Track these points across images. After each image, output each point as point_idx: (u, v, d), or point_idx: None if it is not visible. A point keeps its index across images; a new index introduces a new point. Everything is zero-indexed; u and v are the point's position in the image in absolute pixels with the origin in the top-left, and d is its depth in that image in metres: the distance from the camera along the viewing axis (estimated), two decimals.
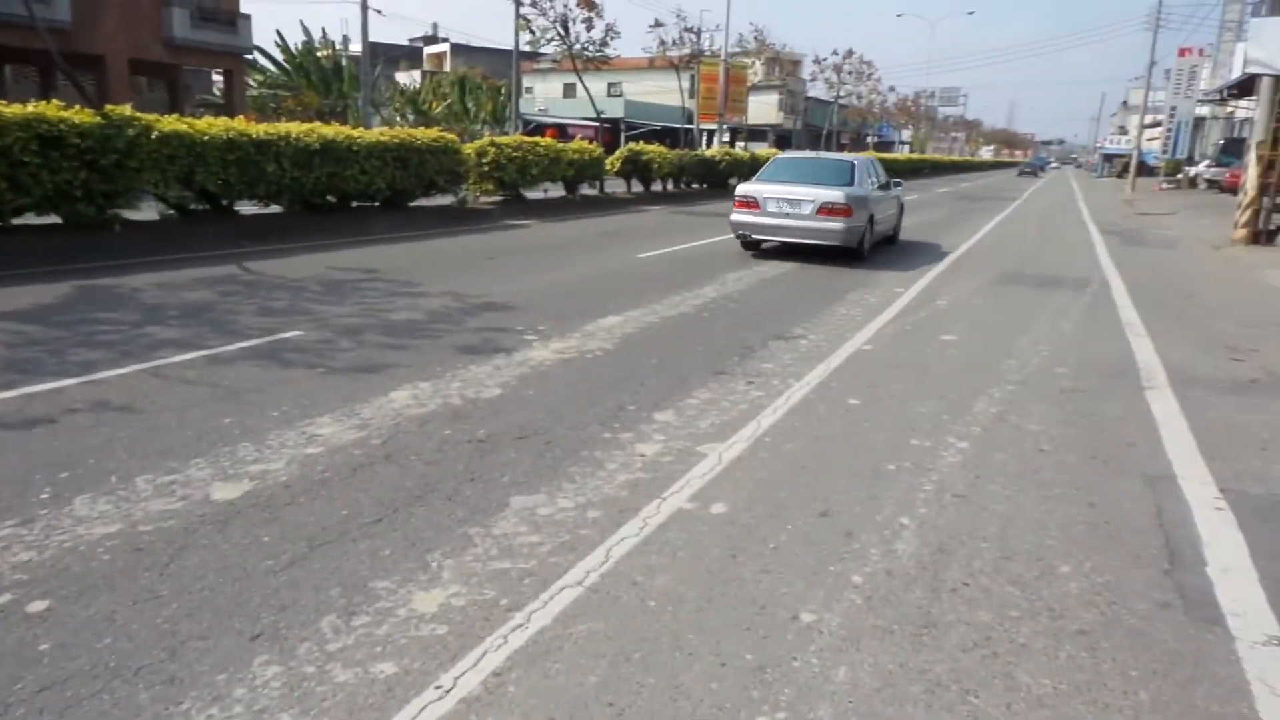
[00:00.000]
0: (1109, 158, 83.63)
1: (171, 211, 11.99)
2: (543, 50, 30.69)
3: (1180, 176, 45.86)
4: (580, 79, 28.64)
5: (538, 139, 19.84)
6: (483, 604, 2.93)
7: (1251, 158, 16.13)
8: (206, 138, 11.28)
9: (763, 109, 62.40)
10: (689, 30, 35.55)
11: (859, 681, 2.54)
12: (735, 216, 12.64)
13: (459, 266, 10.68)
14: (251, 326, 6.81)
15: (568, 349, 6.50)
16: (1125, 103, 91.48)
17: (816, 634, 2.79)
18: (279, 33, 25.49)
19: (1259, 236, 15.69)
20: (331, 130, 13.60)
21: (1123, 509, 3.81)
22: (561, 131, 40.92)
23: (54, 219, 10.18)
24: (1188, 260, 14.38)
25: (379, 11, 28.96)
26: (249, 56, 33.20)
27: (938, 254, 13.64)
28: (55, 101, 9.88)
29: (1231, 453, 4.56)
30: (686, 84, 38.70)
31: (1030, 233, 19.05)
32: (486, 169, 17.84)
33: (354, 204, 14.68)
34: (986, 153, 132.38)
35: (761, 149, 42.15)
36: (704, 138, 44.08)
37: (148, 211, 11.68)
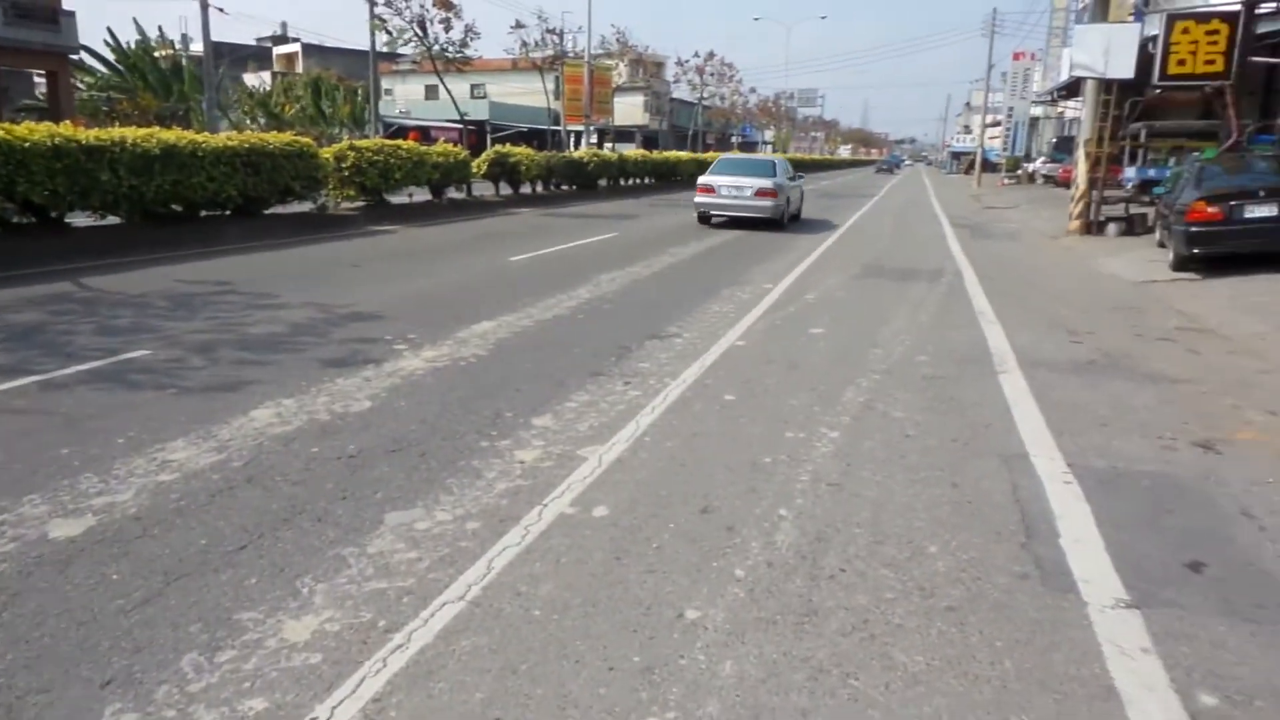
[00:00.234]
0: (956, 155, 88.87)
1: None
2: (401, 51, 29.99)
3: (1020, 172, 49.12)
4: (442, 80, 28.09)
5: (400, 142, 19.29)
6: (359, 627, 2.80)
7: (1080, 155, 17.44)
8: (28, 144, 10.37)
9: (629, 110, 62.98)
10: (551, 32, 35.52)
11: (745, 674, 2.57)
12: (698, 199, 17.86)
13: (321, 276, 10.25)
14: (91, 348, 6.31)
15: (440, 357, 6.33)
16: (968, 104, 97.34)
17: (702, 630, 2.80)
18: (110, 31, 23.71)
19: (1090, 227, 16.97)
20: (173, 135, 12.77)
21: (982, 488, 4.02)
22: (424, 134, 40.02)
23: None
24: (1030, 251, 15.40)
25: (221, 10, 27.46)
26: (75, 56, 30.83)
27: (804, 251, 14.08)
28: None
29: (1076, 429, 4.89)
30: (551, 85, 38.62)
31: (888, 228, 19.96)
32: (347, 174, 17.21)
33: (203, 213, 13.86)
34: (845, 151, 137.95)
35: (630, 150, 42.46)
36: (572, 139, 44.06)
37: None
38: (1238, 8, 15.16)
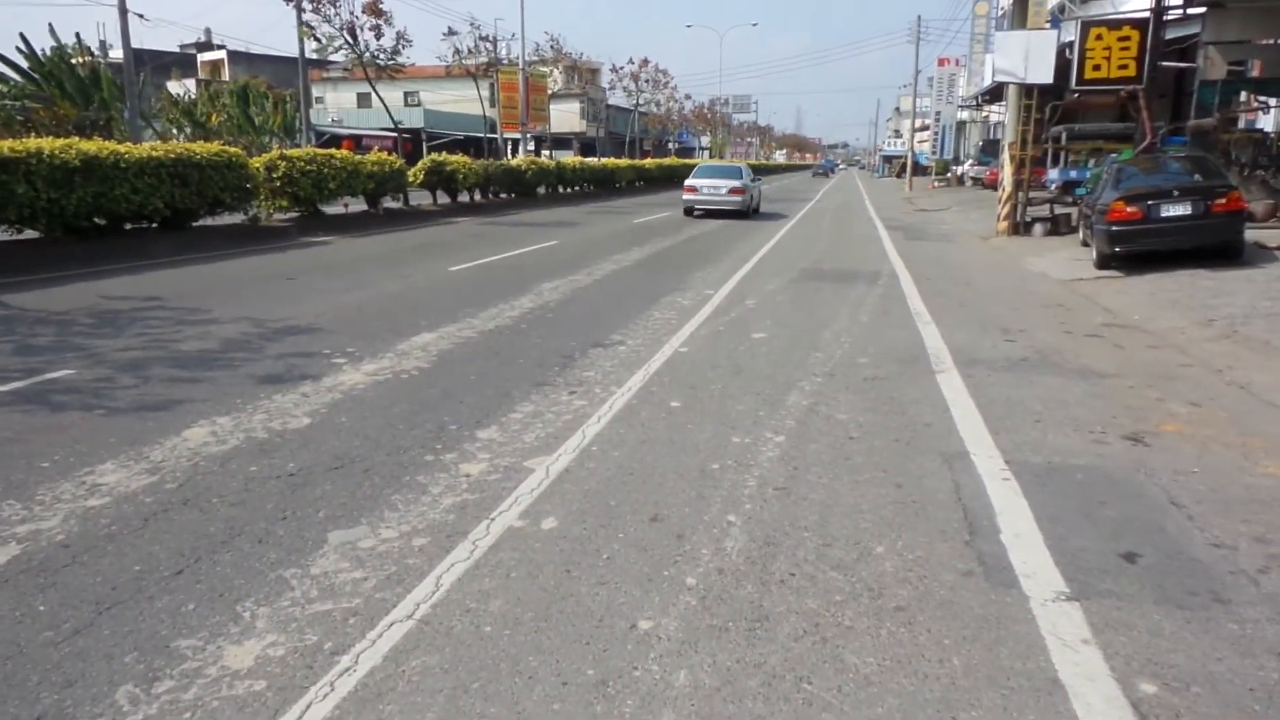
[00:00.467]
0: (888, 159, 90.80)
1: None
2: (331, 58, 29.47)
3: (950, 175, 50.38)
4: (374, 88, 27.72)
5: (333, 151, 18.94)
6: (304, 651, 2.73)
7: (1005, 158, 17.97)
8: None
9: (566, 117, 62.90)
10: (484, 39, 35.31)
11: (699, 683, 2.57)
12: (685, 197, 23.49)
13: (254, 289, 10.00)
14: (10, 368, 6.05)
15: (381, 370, 6.22)
16: (898, 108, 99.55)
17: (655, 640, 2.79)
18: (23, 37, 22.71)
19: (1018, 228, 17.49)
20: (94, 146, 12.33)
21: (925, 487, 4.10)
22: (358, 143, 39.37)
23: None
24: (962, 251, 15.79)
25: (141, 16, 26.64)
26: None
27: (744, 255, 14.22)
28: None
29: (1012, 426, 5.02)
30: (486, 93, 38.36)
31: (825, 230, 20.28)
32: (278, 184, 16.83)
33: (128, 226, 13.41)
34: (780, 156, 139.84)
35: (567, 157, 42.39)
36: (509, 147, 43.81)
37: None
38: (1147, 14, 15.81)
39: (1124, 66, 15.81)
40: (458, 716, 2.42)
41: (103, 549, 3.39)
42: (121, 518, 3.67)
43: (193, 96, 34.47)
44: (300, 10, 24.75)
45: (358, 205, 20.29)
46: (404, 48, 26.60)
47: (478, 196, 25.95)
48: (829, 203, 34.39)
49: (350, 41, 25.65)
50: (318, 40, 25.86)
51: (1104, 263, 11.73)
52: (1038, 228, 17.28)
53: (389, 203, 21.50)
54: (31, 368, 6.07)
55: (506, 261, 13.01)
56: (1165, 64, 17.17)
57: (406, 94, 55.07)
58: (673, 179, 49.60)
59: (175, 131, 27.44)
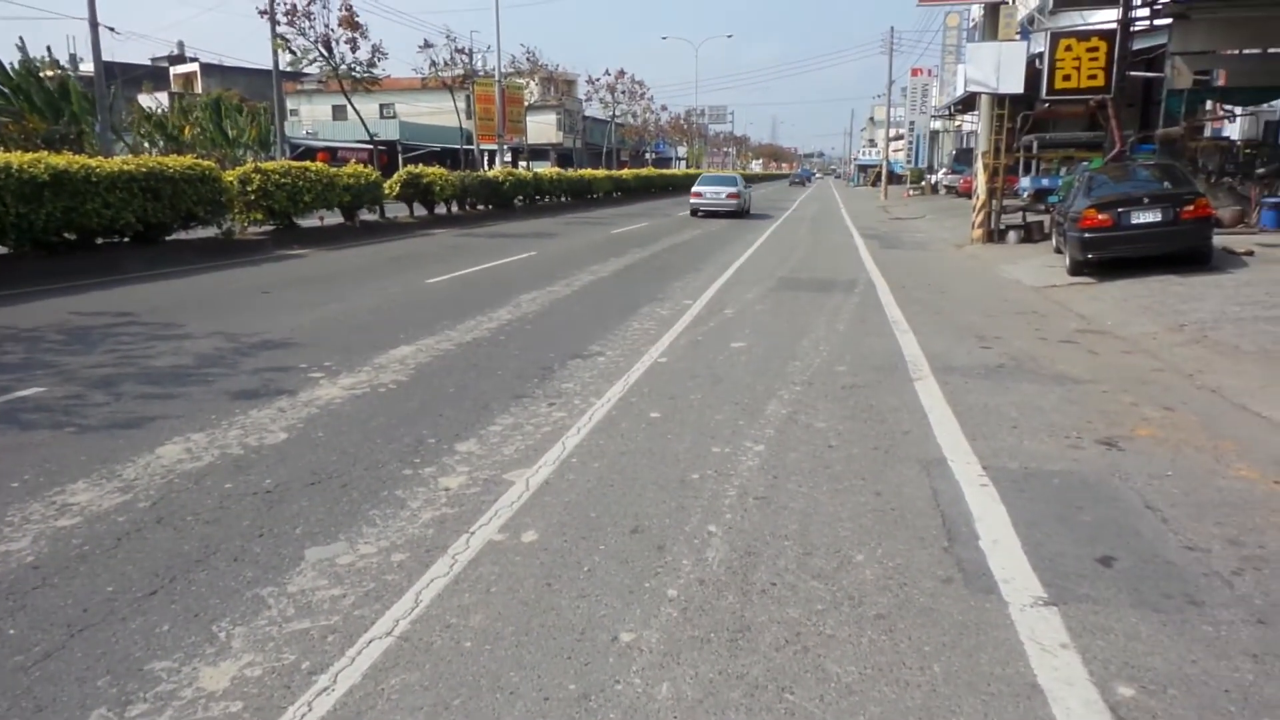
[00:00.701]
0: (863, 168, 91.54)
1: None
2: (306, 71, 29.36)
3: (924, 184, 50.88)
4: (349, 101, 27.62)
5: (308, 164, 18.83)
6: (282, 670, 2.69)
7: (979, 166, 18.18)
8: None
9: (542, 129, 62.94)
10: (460, 51, 35.30)
11: (682, 695, 2.56)
12: (692, 200, 28.97)
13: (229, 303, 9.91)
14: None
15: (358, 384, 6.18)
16: (872, 118, 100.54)
17: (637, 653, 2.78)
18: None
19: (992, 235, 17.68)
20: (64, 160, 12.20)
21: (904, 494, 4.12)
22: (333, 155, 39.18)
23: None
24: (937, 259, 15.93)
25: (111, 29, 26.42)
26: None
27: (722, 265, 14.27)
28: None
29: (989, 432, 5.06)
30: (463, 105, 38.31)
31: (802, 238, 20.40)
32: (253, 197, 16.70)
33: (99, 241, 13.26)
34: (756, 166, 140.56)
35: (544, 168, 42.42)
36: (486, 158, 43.77)
37: None
38: (1115, 26, 16.08)
39: (1093, 76, 16.05)
40: None
41: (74, 570, 3.33)
42: (93, 537, 3.62)
43: (165, 109, 34.18)
44: (274, 23, 24.64)
45: (334, 218, 20.18)
46: (379, 60, 26.56)
47: (455, 208, 25.89)
48: (806, 211, 34.62)
49: (325, 54, 25.56)
50: (292, 53, 25.78)
51: (1077, 269, 11.88)
52: (1011, 235, 17.49)
53: (365, 215, 21.41)
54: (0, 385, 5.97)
55: (484, 273, 12.98)
56: (1133, 74, 17.49)
57: (382, 106, 54.91)
58: (650, 190, 49.86)
59: (148, 145, 27.16)
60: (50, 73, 30.70)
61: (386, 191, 22.07)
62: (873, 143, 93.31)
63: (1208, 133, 20.73)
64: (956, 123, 46.85)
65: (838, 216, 31.08)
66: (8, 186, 10.96)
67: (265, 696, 2.56)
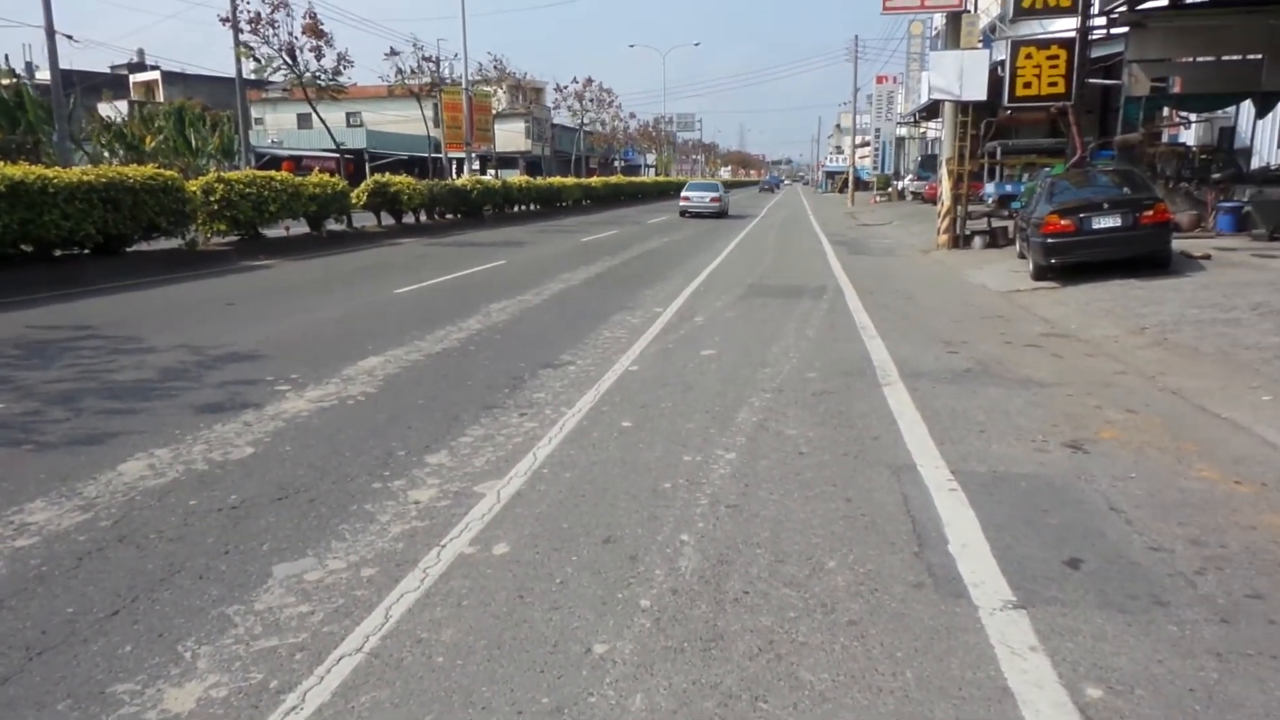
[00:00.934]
0: (830, 175, 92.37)
1: None
2: (270, 79, 29.05)
3: (891, 190, 51.42)
4: (315, 109, 27.38)
5: (273, 173, 18.62)
6: (249, 690, 2.64)
7: (944, 173, 18.42)
8: None
9: (511, 137, 62.82)
10: (427, 59, 35.13)
11: (655, 706, 2.55)
12: (681, 204, 34.39)
13: (193, 315, 9.76)
14: None
15: (326, 396, 6.10)
16: (839, 125, 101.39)
17: (610, 665, 2.77)
18: None
19: (958, 241, 17.91)
20: (20, 170, 11.95)
21: (875, 500, 4.14)
22: (298, 164, 38.80)
23: None
24: (905, 265, 16.10)
25: (70, 37, 26.00)
26: None
27: (692, 272, 14.31)
28: None
29: (957, 436, 5.11)
30: (430, 113, 38.11)
31: (771, 245, 20.52)
32: (216, 207, 16.48)
33: (57, 253, 13.01)
34: (725, 173, 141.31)
35: (513, 176, 42.29)
36: (454, 166, 43.57)
37: None
38: (1073, 34, 16.39)
39: (1053, 84, 16.35)
40: None
41: (32, 591, 3.25)
42: (52, 558, 3.54)
43: (125, 118, 33.64)
44: (238, 31, 24.37)
45: (300, 228, 19.98)
46: (345, 68, 26.34)
47: (423, 217, 25.74)
48: (774, 218, 34.85)
49: (290, 62, 25.30)
50: (256, 61, 25.47)
51: (1040, 274, 12.06)
52: (976, 240, 17.72)
53: (332, 225, 21.21)
54: None
55: (453, 282, 12.91)
56: (1092, 81, 17.80)
57: (349, 115, 54.53)
58: (619, 197, 49.94)
59: (108, 155, 26.71)
60: (5, 81, 30.13)
61: (354, 201, 21.89)
62: (840, 149, 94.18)
63: (1165, 139, 21.17)
64: (922, 129, 47.44)
65: (806, 222, 31.31)
66: None
67: (232, 718, 2.51)
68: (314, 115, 28.59)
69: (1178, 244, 12.30)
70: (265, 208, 17.37)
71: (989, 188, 26.31)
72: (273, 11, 24.32)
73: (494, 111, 44.78)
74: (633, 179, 61.38)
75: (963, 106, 17.38)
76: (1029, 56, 16.42)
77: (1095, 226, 11.18)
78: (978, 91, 16.64)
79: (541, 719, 2.50)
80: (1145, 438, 5.09)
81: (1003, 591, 3.20)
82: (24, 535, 3.74)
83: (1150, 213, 11.03)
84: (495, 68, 45.23)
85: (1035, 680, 2.66)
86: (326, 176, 20.75)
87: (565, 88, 57.08)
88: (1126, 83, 16.29)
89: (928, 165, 41.15)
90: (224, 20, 24.64)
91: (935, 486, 4.29)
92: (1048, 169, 17.41)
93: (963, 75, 16.54)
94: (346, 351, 7.57)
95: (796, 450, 4.90)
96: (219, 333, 8.45)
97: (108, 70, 56.15)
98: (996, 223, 18.53)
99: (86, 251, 13.50)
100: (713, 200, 33.97)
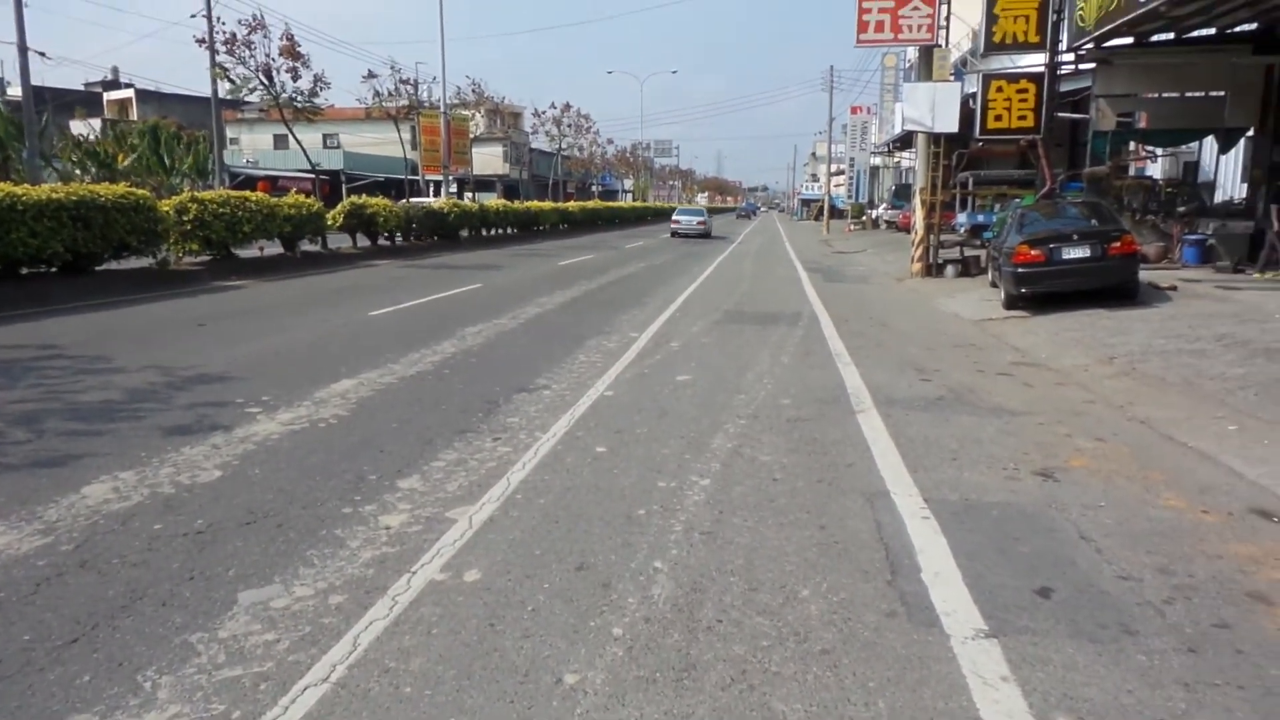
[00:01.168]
0: (806, 202, 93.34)
1: None
2: (247, 100, 28.97)
3: (865, 218, 51.99)
4: (291, 130, 27.31)
5: (247, 193, 18.51)
6: None
7: (917, 202, 18.67)
8: None
9: (488, 160, 63.00)
10: (405, 82, 35.22)
11: None
12: (671, 225, 41.32)
13: (162, 335, 9.63)
14: None
15: (297, 419, 6.03)
16: (814, 153, 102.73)
17: (582, 695, 2.74)
18: None
19: (931, 269, 18.12)
20: None
21: (848, 527, 4.15)
22: (274, 184, 38.61)
23: None
24: (879, 292, 16.25)
25: (42, 54, 25.79)
26: None
27: (668, 298, 14.35)
28: None
29: (930, 464, 5.14)
30: (408, 135, 38.15)
31: (747, 271, 20.64)
32: (189, 227, 16.33)
33: (24, 271, 12.81)
34: (702, 199, 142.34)
35: (491, 200, 42.35)
36: (431, 189, 43.56)
37: None
38: (1042, 69, 16.75)
39: (1023, 117, 16.68)
40: None
41: None
42: (10, 583, 3.45)
43: (98, 136, 33.33)
44: (214, 52, 24.30)
45: (274, 249, 19.83)
46: (322, 90, 26.33)
47: (399, 239, 25.65)
48: (751, 244, 35.09)
49: (266, 83, 25.24)
50: (232, 82, 25.40)
51: (1011, 303, 12.22)
52: (949, 269, 17.94)
53: (307, 246, 21.08)
54: None
55: (429, 305, 12.85)
56: (1061, 115, 18.16)
57: (325, 136, 54.43)
58: (596, 222, 50.13)
59: (79, 173, 26.42)
60: None
61: (329, 222, 21.79)
62: (815, 178, 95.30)
63: (1132, 172, 21.62)
64: (895, 159, 48.14)
65: (782, 249, 31.56)
66: None
67: None
68: (290, 136, 28.48)
69: (1145, 275, 12.52)
70: (239, 228, 17.25)
71: (961, 217, 26.71)
72: (249, 33, 24.30)
73: (472, 135, 44.95)
74: (610, 204, 61.65)
75: (935, 138, 17.66)
76: (999, 90, 16.76)
77: (1065, 257, 11.36)
78: (950, 123, 16.93)
79: None
80: (1114, 466, 5.14)
81: (975, 620, 3.21)
82: None
83: (1118, 244, 11.24)
84: (474, 91, 45.51)
85: (1007, 710, 2.66)
86: (302, 197, 20.65)
87: (543, 113, 57.45)
88: (1094, 117, 16.65)
89: (901, 194, 41.68)
90: (200, 41, 24.59)
91: (908, 514, 4.31)
92: (1018, 200, 17.72)
93: (935, 107, 16.82)
94: (319, 374, 7.50)
95: (771, 477, 4.90)
96: (189, 353, 8.34)
97: (81, 88, 55.74)
98: (969, 252, 18.78)
99: (54, 270, 13.31)
100: (699, 223, 40.38)
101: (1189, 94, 16.75)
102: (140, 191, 15.23)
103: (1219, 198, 19.17)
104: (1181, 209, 17.04)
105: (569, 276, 18.18)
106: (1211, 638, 3.10)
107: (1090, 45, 15.39)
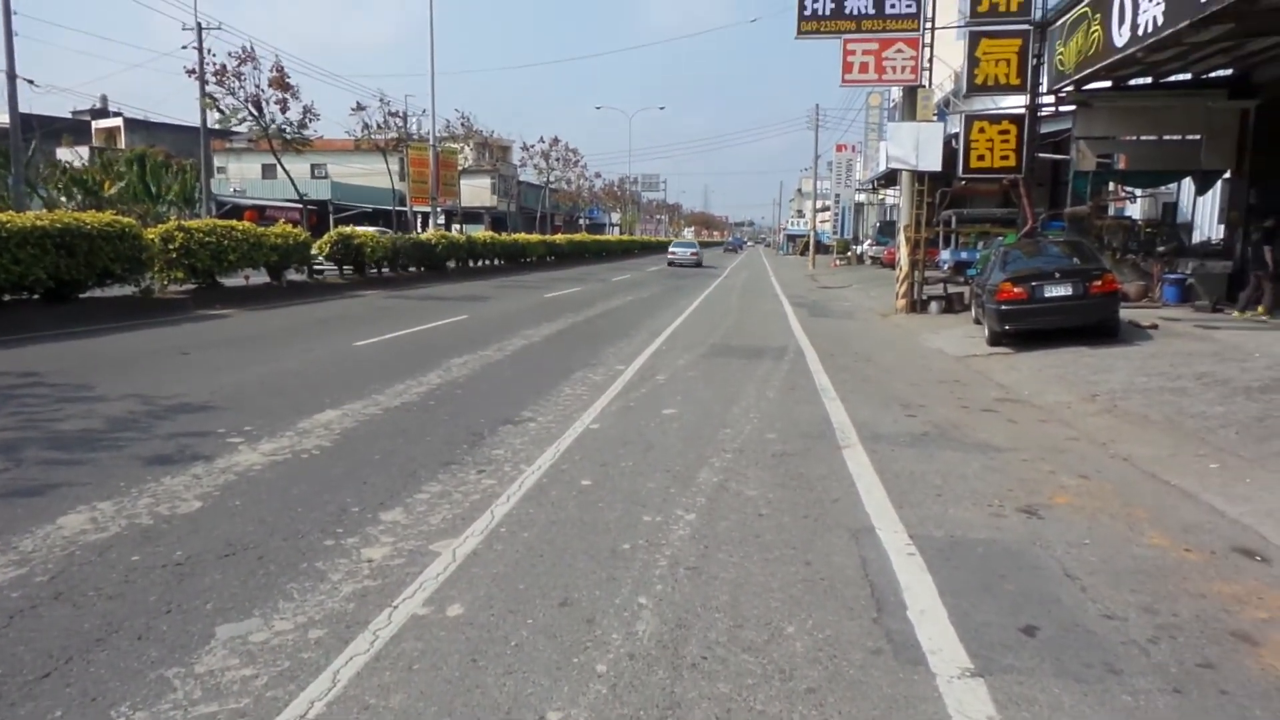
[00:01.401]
0: (792, 238, 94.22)
1: None
2: (235, 130, 29.07)
3: (850, 254, 52.48)
4: (279, 160, 27.38)
5: (234, 222, 18.51)
6: None
7: (901, 239, 18.86)
8: None
9: (476, 192, 63.23)
10: (394, 114, 35.43)
11: None
12: (669, 257, 48.48)
13: (145, 364, 9.56)
14: None
15: (280, 450, 5.98)
16: (800, 190, 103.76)
17: None
18: None
19: (915, 305, 18.26)
20: None
21: (833, 564, 4.13)
22: (261, 214, 38.61)
23: None
24: (864, 328, 16.35)
25: (31, 82, 25.83)
26: None
27: (655, 331, 14.38)
28: None
29: (915, 500, 5.14)
30: (396, 167, 38.30)
31: (734, 305, 20.73)
32: (175, 255, 16.29)
33: (6, 298, 12.72)
34: (688, 234, 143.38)
35: (478, 231, 42.50)
36: (419, 220, 43.67)
37: None
38: (1023, 111, 17.05)
39: (1005, 157, 16.96)
40: None
41: None
42: None
43: (85, 163, 33.29)
44: (203, 83, 24.42)
45: (260, 278, 19.79)
46: (311, 121, 26.47)
47: (386, 270, 25.66)
48: (737, 279, 35.27)
49: (255, 114, 25.35)
50: (221, 112, 25.51)
51: (995, 340, 12.32)
52: (933, 306, 18.08)
53: (293, 275, 21.05)
54: None
55: (415, 336, 12.82)
56: (1042, 155, 18.45)
57: (314, 166, 54.52)
58: (584, 254, 50.41)
59: (65, 200, 26.35)
60: None
61: (316, 252, 21.79)
62: (801, 213, 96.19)
63: (1112, 212, 21.92)
64: (880, 196, 48.66)
65: (768, 284, 31.74)
66: None
67: None
68: (278, 166, 28.57)
69: (1126, 313, 12.66)
70: (224, 256, 17.21)
71: (945, 254, 27.00)
72: (239, 64, 24.46)
73: (460, 167, 45.17)
74: (597, 237, 62.02)
75: (919, 176, 17.89)
76: (982, 130, 17.05)
77: (1047, 295, 11.48)
78: (933, 162, 17.18)
79: None
80: (1098, 504, 5.16)
81: (960, 659, 3.19)
82: None
83: (1099, 282, 11.37)
84: (462, 125, 45.75)
85: None
86: (289, 227, 20.66)
87: (532, 146, 57.90)
88: (1074, 158, 16.92)
89: (886, 231, 42.14)
90: (190, 72, 24.73)
91: (894, 550, 4.30)
92: (1001, 238, 17.92)
93: (919, 146, 17.07)
94: (302, 404, 7.45)
95: (756, 512, 4.89)
96: (171, 382, 8.28)
97: (69, 115, 55.74)
98: (952, 288, 18.94)
99: (37, 297, 13.22)
100: (693, 255, 47.56)
101: (1167, 137, 17.06)
102: (126, 219, 15.19)
103: (1196, 238, 19.48)
104: (1161, 249, 17.28)
105: (555, 309, 18.21)
106: (1196, 677, 3.10)
107: (1070, 88, 15.70)
